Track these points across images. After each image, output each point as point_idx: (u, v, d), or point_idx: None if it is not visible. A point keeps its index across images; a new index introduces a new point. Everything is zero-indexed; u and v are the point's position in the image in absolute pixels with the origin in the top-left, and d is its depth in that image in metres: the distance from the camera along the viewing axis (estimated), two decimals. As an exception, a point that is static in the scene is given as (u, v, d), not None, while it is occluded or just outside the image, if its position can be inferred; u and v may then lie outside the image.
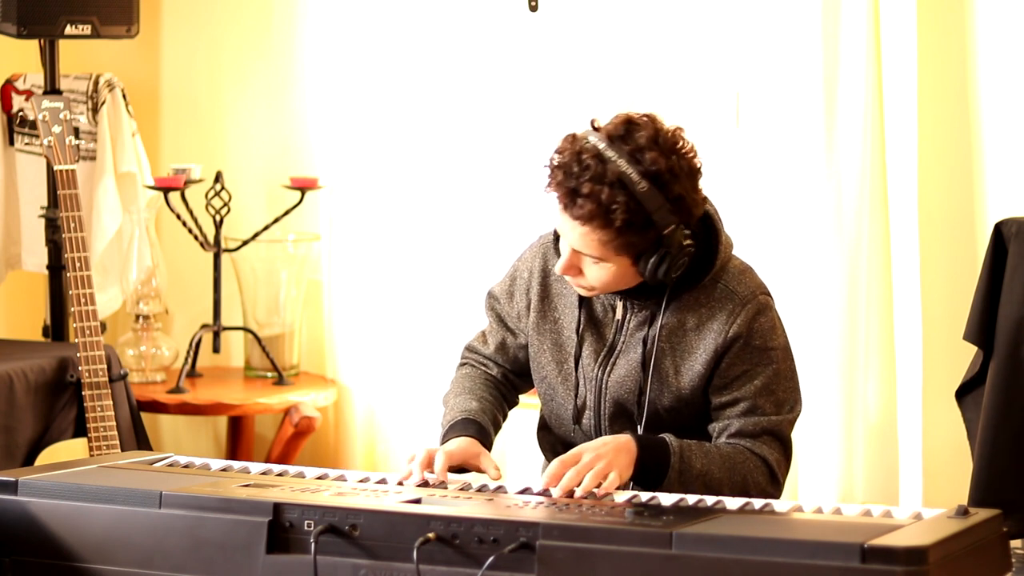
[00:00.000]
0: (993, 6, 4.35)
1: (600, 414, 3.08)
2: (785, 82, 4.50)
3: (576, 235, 2.92)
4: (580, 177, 2.88)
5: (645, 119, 2.94)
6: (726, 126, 4.59)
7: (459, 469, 3.02)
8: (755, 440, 3.00)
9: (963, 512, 2.56)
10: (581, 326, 3.09)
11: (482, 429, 3.08)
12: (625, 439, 2.93)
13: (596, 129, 2.94)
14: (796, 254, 4.51)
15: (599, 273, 2.96)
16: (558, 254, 3.06)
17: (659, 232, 2.90)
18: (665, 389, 3.03)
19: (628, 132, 2.91)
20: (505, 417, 3.21)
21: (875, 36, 4.43)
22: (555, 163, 2.93)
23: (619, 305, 3.07)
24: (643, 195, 2.87)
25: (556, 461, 2.87)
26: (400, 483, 2.90)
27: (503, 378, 3.24)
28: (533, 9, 4.77)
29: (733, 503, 2.73)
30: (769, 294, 3.07)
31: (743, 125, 4.59)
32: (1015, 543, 4.05)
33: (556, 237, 3.09)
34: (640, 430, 3.02)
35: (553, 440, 3.19)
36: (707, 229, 3.01)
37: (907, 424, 4.46)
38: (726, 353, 3.00)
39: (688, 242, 2.92)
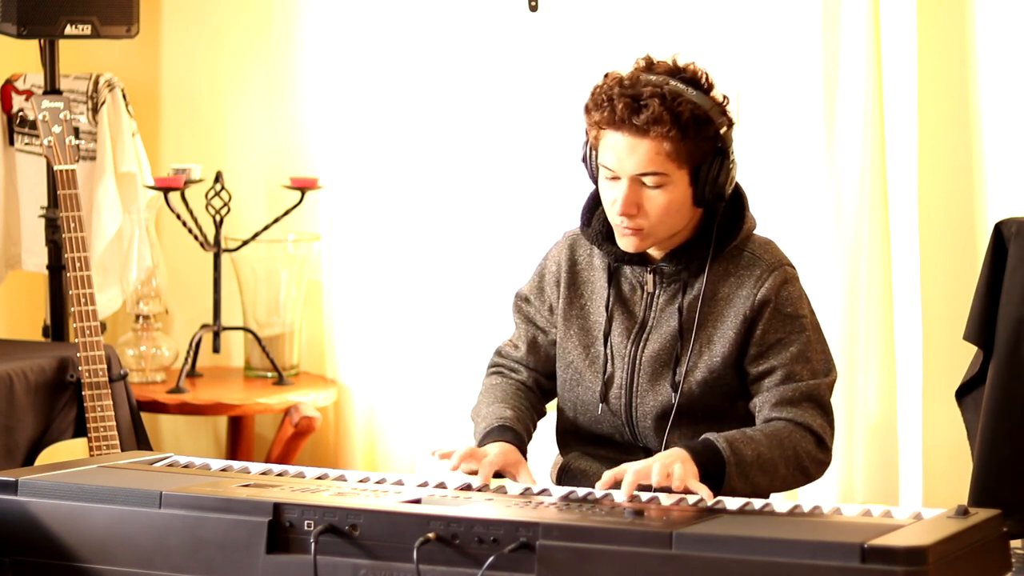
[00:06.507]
0: (993, 6, 4.35)
1: (632, 391, 3.07)
2: (785, 82, 4.50)
3: (641, 150, 2.94)
4: (636, 85, 2.96)
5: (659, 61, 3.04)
6: (726, 126, 4.59)
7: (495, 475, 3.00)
8: (796, 408, 3.00)
9: (963, 512, 2.56)
10: (611, 303, 3.10)
11: (519, 436, 3.07)
12: (677, 450, 2.90)
13: None
14: (796, 254, 4.49)
15: (659, 201, 2.97)
16: (587, 242, 3.10)
17: (716, 131, 2.97)
18: (699, 360, 3.03)
19: (651, 66, 3.02)
20: (535, 427, 3.19)
21: (875, 36, 4.43)
22: (603, 87, 2.99)
23: (649, 280, 3.07)
24: (695, 95, 2.96)
25: (630, 471, 2.81)
26: (443, 456, 2.92)
27: (534, 384, 3.22)
28: (533, 9, 4.77)
29: (733, 503, 2.73)
30: (794, 267, 3.11)
31: (743, 125, 4.59)
32: (1015, 543, 4.05)
33: (584, 224, 3.10)
34: (675, 399, 3.02)
35: (577, 439, 3.17)
36: (735, 197, 3.09)
37: (907, 424, 4.46)
38: (757, 319, 3.02)
39: (733, 158, 3.02)
